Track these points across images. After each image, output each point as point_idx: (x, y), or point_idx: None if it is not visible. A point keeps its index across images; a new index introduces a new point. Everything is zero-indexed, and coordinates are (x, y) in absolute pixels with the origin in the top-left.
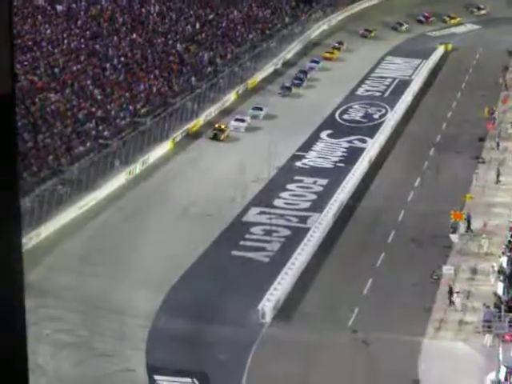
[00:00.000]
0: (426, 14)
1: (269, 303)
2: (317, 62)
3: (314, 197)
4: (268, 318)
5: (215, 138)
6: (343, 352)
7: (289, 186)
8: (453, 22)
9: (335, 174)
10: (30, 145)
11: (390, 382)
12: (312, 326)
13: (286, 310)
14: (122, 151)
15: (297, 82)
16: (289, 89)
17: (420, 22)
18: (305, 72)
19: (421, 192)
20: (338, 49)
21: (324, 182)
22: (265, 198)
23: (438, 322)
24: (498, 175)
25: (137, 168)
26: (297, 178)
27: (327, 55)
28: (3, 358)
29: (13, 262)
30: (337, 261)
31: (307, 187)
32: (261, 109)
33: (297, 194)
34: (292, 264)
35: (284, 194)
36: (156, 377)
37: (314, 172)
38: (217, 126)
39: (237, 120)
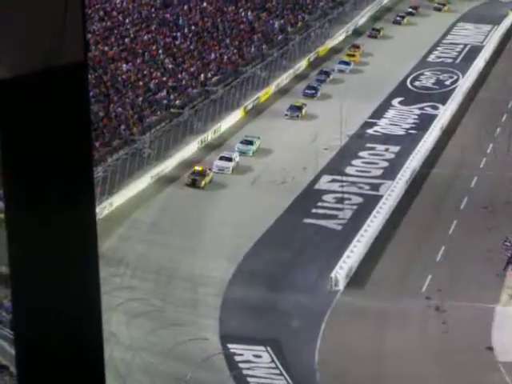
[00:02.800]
0: None
1: (341, 271)
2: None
3: (385, 164)
4: (341, 286)
5: (193, 185)
6: (416, 319)
7: (361, 154)
8: None
9: (407, 141)
10: (101, 115)
11: (464, 348)
12: (385, 293)
13: (358, 278)
14: (193, 120)
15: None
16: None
17: None
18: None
19: (493, 159)
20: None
21: (396, 149)
22: (337, 165)
23: (511, 289)
24: None
25: (208, 137)
26: (368, 145)
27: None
28: (78, 332)
29: (87, 235)
30: (409, 228)
31: (379, 154)
32: (251, 142)
33: (369, 162)
34: (364, 231)
35: (356, 162)
36: (229, 345)
37: (386, 139)
38: (196, 168)
39: (222, 159)
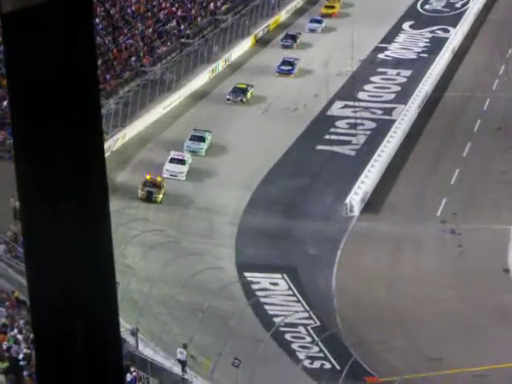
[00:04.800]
0: None
1: (356, 196)
2: None
3: (398, 88)
4: (356, 212)
5: (148, 199)
6: (432, 242)
7: (372, 79)
8: None
9: (419, 65)
10: (112, 47)
11: (480, 271)
12: (400, 218)
13: (373, 203)
14: (204, 49)
15: None
16: None
17: None
18: None
19: (505, 80)
20: None
21: (408, 73)
22: (349, 91)
23: None
24: None
25: (219, 66)
26: (380, 70)
27: None
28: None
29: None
30: (423, 152)
31: (391, 79)
32: (203, 139)
33: (381, 86)
34: (378, 156)
35: (368, 87)
36: (246, 273)
37: (398, 63)
38: (148, 177)
39: (173, 161)
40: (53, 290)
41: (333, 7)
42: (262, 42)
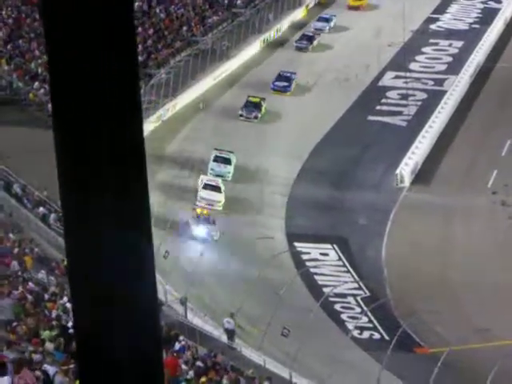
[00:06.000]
0: None
1: (407, 167)
2: None
3: (449, 59)
4: (406, 182)
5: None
6: (483, 214)
7: (424, 49)
8: None
9: (471, 36)
10: (162, 16)
11: None
12: (451, 189)
13: (424, 174)
14: (255, 19)
15: None
16: None
17: None
18: None
19: None
20: None
21: (459, 44)
22: (400, 61)
23: None
24: None
25: (271, 36)
26: (432, 40)
27: None
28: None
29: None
30: (475, 123)
31: (443, 50)
32: (228, 161)
33: (432, 57)
34: (430, 127)
35: (419, 58)
36: (296, 243)
37: (450, 34)
38: (199, 211)
39: (207, 187)
40: (92, 278)
41: None
42: (313, 12)
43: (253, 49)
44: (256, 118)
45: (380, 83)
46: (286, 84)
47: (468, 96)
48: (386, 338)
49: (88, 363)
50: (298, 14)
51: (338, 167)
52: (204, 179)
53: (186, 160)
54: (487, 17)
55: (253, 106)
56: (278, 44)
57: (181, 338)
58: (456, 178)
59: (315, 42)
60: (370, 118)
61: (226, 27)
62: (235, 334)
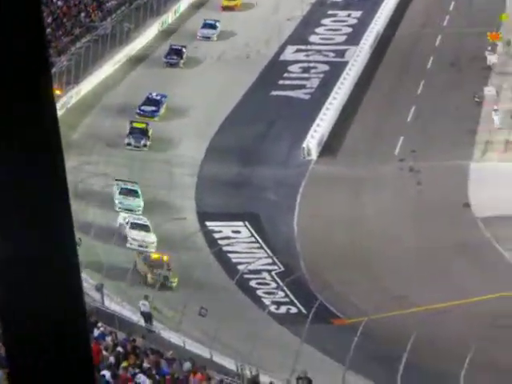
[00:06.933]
0: None
1: (313, 140)
2: None
3: (349, 30)
4: (314, 155)
5: (163, 284)
6: (391, 181)
7: (323, 21)
8: None
9: (369, 5)
10: (60, 4)
11: (441, 207)
12: (358, 159)
13: (330, 146)
14: (153, 2)
15: None
16: None
17: None
18: None
19: (456, 15)
20: None
21: (358, 14)
22: (300, 35)
23: (483, 144)
24: None
25: (169, 18)
26: (330, 12)
27: None
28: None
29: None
30: (378, 92)
31: (342, 21)
32: (136, 193)
33: (332, 29)
34: (333, 99)
35: (319, 30)
36: (207, 223)
37: (347, 5)
38: (154, 256)
39: (135, 227)
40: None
41: None
42: None
43: (151, 32)
44: (145, 145)
45: (281, 58)
46: (153, 108)
47: (369, 66)
48: (304, 311)
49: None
50: None
51: (245, 144)
52: (127, 218)
53: (92, 146)
54: None
55: (139, 133)
56: (176, 27)
57: (99, 324)
58: (362, 148)
59: (184, 57)
60: (274, 93)
61: (124, 11)
62: (152, 316)
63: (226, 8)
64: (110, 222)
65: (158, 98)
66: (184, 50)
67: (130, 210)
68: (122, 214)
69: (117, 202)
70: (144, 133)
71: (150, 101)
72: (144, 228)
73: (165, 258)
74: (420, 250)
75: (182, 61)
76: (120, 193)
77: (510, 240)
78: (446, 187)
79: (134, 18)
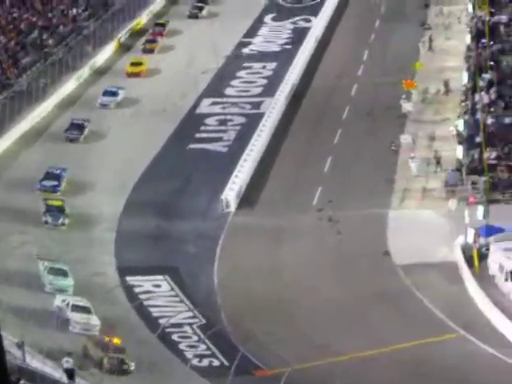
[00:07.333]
0: None
1: (231, 192)
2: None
3: (264, 82)
4: (232, 207)
5: (119, 369)
6: (311, 231)
7: (238, 74)
8: None
9: (283, 57)
10: None
11: (361, 255)
12: (277, 210)
13: (249, 198)
14: (67, 58)
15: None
16: None
17: None
18: None
19: (370, 65)
20: None
21: (273, 65)
22: (216, 88)
23: (401, 192)
24: (431, 42)
25: (85, 72)
26: (246, 64)
27: None
28: None
29: None
30: (295, 143)
31: (257, 73)
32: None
33: (247, 81)
34: (250, 150)
35: (234, 82)
36: (128, 277)
37: (262, 57)
38: (108, 339)
39: (76, 309)
40: None
41: (140, 64)
42: (125, 46)
43: (68, 87)
44: (63, 224)
45: (198, 110)
46: (55, 183)
47: (286, 117)
48: (226, 363)
49: None
50: (110, 49)
51: (163, 198)
52: (67, 300)
53: (7, 207)
54: (298, 36)
55: (56, 211)
56: (92, 82)
57: (21, 382)
58: (281, 199)
59: (85, 131)
60: (191, 146)
61: (39, 67)
62: (75, 373)
63: (130, 75)
64: (44, 305)
65: (58, 172)
66: (86, 123)
67: (62, 291)
68: (59, 297)
69: (46, 282)
70: (61, 211)
71: (49, 175)
72: (85, 310)
73: (117, 340)
74: (341, 300)
75: (82, 136)
76: (48, 272)
77: (430, 287)
78: (366, 236)
79: (49, 74)
